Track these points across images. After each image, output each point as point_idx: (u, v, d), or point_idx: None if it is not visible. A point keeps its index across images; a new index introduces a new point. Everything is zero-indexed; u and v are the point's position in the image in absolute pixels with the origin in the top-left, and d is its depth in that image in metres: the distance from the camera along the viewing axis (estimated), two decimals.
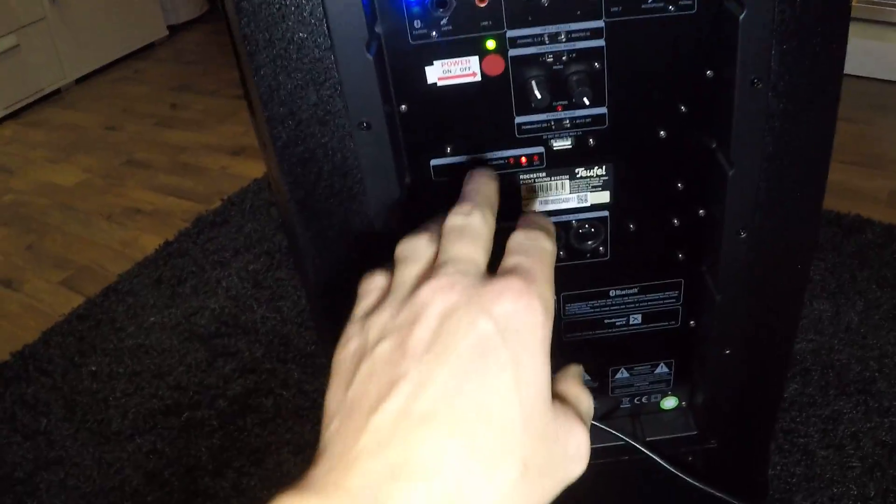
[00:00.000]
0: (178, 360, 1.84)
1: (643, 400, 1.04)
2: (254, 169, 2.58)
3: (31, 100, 3.40)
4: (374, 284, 0.53)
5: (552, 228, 0.55)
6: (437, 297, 0.46)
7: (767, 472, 1.30)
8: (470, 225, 0.51)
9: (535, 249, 0.50)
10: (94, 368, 1.86)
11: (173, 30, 3.99)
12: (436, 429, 0.42)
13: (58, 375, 1.86)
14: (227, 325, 1.91)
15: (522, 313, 0.45)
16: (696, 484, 0.95)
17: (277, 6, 0.67)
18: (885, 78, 2.57)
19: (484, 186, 0.59)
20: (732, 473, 1.12)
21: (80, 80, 3.58)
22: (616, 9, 0.72)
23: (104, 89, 3.50)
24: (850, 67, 2.62)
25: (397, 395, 0.43)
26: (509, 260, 0.49)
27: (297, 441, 1.57)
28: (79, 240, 2.40)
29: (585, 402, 0.52)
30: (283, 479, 1.50)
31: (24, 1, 3.24)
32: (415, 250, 0.52)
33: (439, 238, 0.52)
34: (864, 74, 2.57)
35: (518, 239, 0.52)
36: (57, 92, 3.50)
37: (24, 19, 3.26)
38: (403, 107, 0.75)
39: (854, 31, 2.73)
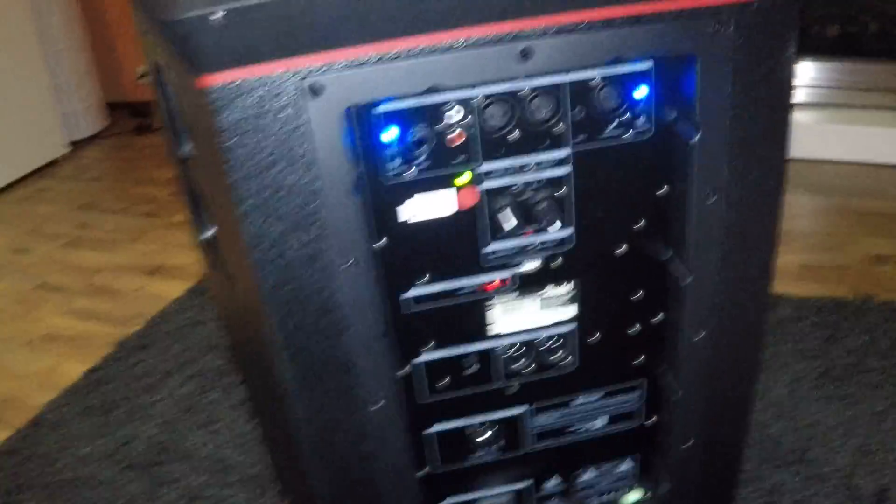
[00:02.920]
0: (116, 492, 1.79)
1: (608, 497, 1.07)
2: (172, 288, 2.55)
3: None
4: None
5: None
6: None
7: None
8: None
9: None
10: None
11: (74, 145, 3.95)
12: None
13: None
14: (164, 451, 1.87)
15: None
16: None
17: (269, 152, 0.69)
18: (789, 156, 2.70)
19: None
20: None
21: None
22: (580, 137, 0.77)
23: (8, 210, 3.43)
24: None
25: None
26: None
27: None
28: None
29: None
30: None
31: None
32: None
33: None
34: None
35: None
36: None
37: None
38: (383, 242, 0.78)
39: None
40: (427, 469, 0.97)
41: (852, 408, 1.75)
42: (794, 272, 2.23)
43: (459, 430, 0.94)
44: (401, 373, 0.87)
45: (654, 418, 1.00)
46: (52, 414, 2.06)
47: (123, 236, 3.01)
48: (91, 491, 1.80)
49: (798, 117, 2.73)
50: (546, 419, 0.96)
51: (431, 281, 0.82)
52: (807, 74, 2.75)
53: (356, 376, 0.82)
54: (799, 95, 2.77)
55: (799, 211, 2.53)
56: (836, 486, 1.57)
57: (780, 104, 0.79)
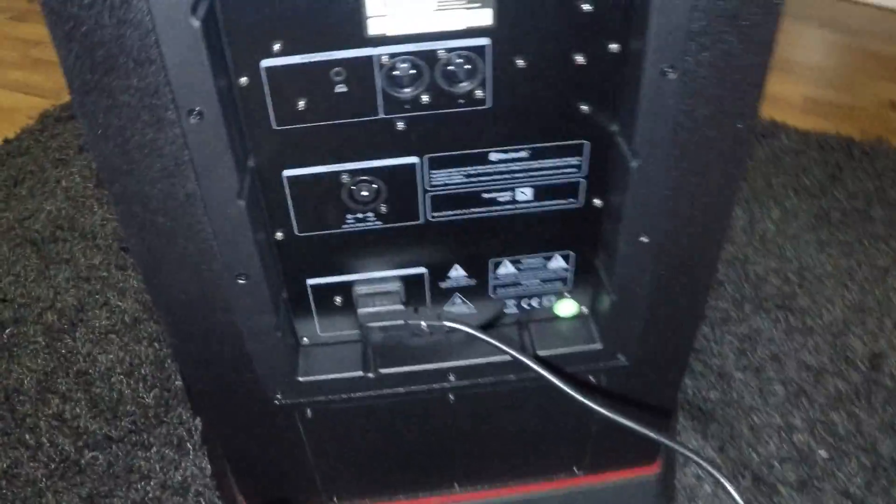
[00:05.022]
0: (6, 269, 1.59)
1: (534, 304, 0.83)
2: None
3: None
4: None
5: None
6: None
7: (676, 397, 1.11)
8: None
9: None
10: None
11: None
12: None
13: None
14: (62, 228, 1.66)
15: None
16: (598, 409, 0.75)
17: None
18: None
19: None
20: (639, 396, 0.92)
21: None
22: None
23: None
24: None
25: None
26: None
27: (131, 360, 1.34)
28: None
29: None
30: (117, 406, 1.27)
31: None
32: None
33: None
34: None
35: None
36: None
37: None
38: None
39: None
40: (279, 234, 0.72)
41: (850, 258, 1.52)
42: (798, 104, 1.98)
43: (326, 179, 0.69)
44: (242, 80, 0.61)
45: (598, 201, 0.75)
46: None
47: None
48: None
49: None
50: (447, 179, 0.71)
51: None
52: None
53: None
54: None
55: (810, 44, 2.27)
56: (822, 342, 1.36)
57: None
